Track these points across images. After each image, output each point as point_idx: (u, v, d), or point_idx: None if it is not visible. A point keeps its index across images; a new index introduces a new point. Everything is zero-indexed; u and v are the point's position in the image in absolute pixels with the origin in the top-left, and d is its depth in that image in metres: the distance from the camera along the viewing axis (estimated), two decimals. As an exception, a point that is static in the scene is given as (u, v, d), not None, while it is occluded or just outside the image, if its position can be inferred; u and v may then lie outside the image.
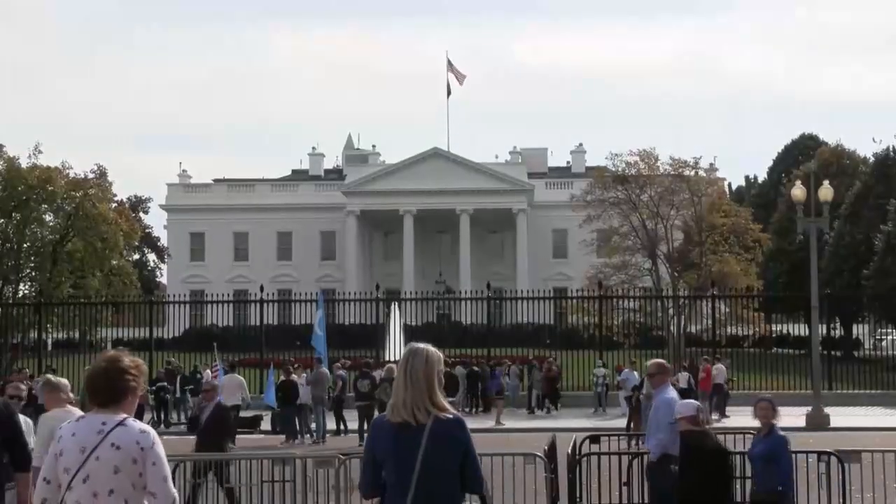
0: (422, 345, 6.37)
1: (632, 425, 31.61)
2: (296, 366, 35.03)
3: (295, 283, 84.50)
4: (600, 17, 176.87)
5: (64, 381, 10.72)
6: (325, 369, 33.97)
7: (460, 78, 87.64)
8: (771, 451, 11.40)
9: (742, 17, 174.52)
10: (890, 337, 57.14)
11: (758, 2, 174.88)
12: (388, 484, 6.23)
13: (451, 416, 6.18)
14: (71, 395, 10.79)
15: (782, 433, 11.76)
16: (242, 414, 35.26)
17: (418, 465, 6.08)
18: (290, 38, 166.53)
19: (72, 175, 57.68)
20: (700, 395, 37.74)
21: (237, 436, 31.96)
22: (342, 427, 33.62)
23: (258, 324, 47.84)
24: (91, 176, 58.30)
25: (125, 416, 5.96)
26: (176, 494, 5.98)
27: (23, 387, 13.87)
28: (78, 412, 10.22)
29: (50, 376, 11.20)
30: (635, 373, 35.59)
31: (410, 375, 6.17)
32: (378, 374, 30.79)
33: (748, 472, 15.30)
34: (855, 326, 70.16)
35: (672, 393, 13.03)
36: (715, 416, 37.21)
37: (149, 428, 5.98)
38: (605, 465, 16.21)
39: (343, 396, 34.52)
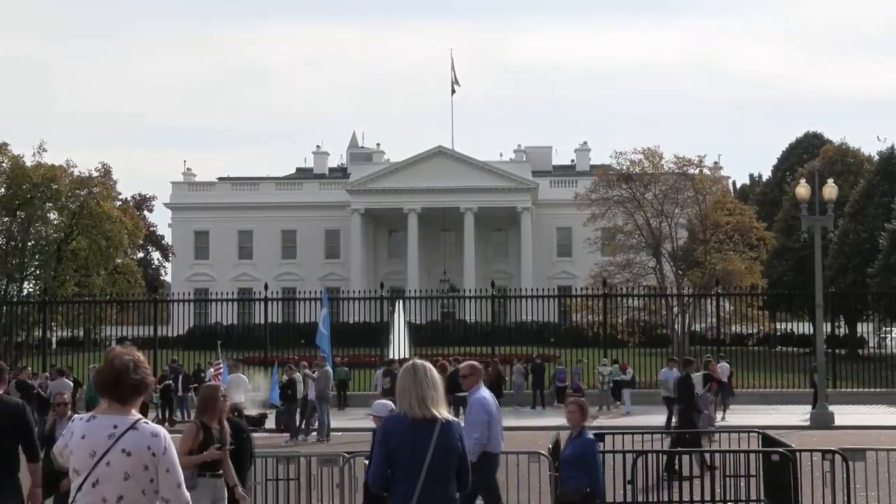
0: (425, 361, 7.30)
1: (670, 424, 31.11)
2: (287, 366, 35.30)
3: (299, 281, 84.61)
4: (605, 16, 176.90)
5: None
6: (328, 368, 33.97)
7: (456, 81, 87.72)
8: (579, 453, 11.49)
9: (746, 15, 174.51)
10: (894, 335, 57.16)
11: (762, 0, 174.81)
12: (398, 474, 6.85)
13: (454, 419, 7.04)
14: None
15: (591, 436, 11.75)
16: (246, 412, 35.28)
17: (430, 454, 6.78)
18: (294, 36, 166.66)
19: (76, 173, 57.78)
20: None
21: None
22: (303, 425, 33.57)
23: (262, 322, 47.85)
24: (95, 174, 58.37)
25: (137, 417, 5.83)
26: (188, 498, 5.90)
27: (66, 396, 14.24)
28: None
29: None
30: (675, 370, 35.22)
31: (432, 380, 6.99)
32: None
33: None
34: (859, 325, 70.20)
35: (485, 392, 13.17)
36: (719, 415, 37.19)
37: (160, 430, 5.84)
38: (609, 464, 16.22)
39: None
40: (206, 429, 10.60)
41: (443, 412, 6.92)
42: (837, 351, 50.29)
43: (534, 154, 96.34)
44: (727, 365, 39.48)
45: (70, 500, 5.83)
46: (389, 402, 12.40)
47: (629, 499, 14.76)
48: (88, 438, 5.77)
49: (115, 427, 5.76)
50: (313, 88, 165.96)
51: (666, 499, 15.28)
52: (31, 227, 56.65)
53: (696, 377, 31.82)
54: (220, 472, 10.65)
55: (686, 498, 15.49)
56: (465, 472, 7.04)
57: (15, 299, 55.30)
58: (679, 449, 18.81)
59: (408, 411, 6.87)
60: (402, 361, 36.30)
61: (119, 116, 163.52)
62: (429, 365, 7.16)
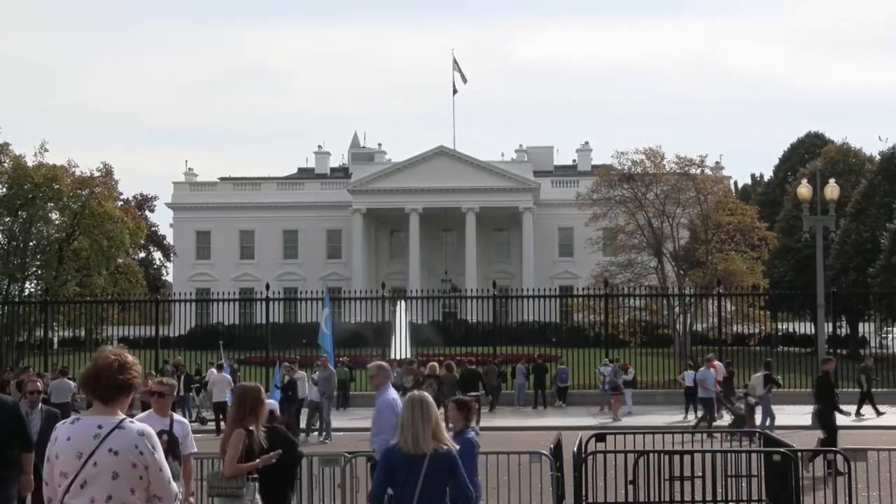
0: (424, 394, 8.45)
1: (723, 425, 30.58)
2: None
3: (301, 281, 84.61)
4: (607, 16, 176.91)
5: None
6: (332, 368, 33.96)
7: (463, 77, 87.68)
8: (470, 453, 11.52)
9: (748, 15, 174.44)
10: (895, 334, 57.06)
11: (763, 0, 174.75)
12: (396, 496, 8.21)
13: (445, 448, 8.21)
14: None
15: (471, 436, 11.68)
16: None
17: (420, 482, 8.09)
18: (296, 36, 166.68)
19: (78, 173, 57.69)
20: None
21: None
22: None
23: (264, 322, 47.85)
24: (97, 174, 58.28)
25: (122, 417, 5.83)
26: (176, 490, 5.97)
27: (39, 384, 14.25)
28: None
29: None
30: (712, 370, 34.85)
31: (427, 416, 8.19)
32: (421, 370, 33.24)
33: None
34: (861, 325, 70.16)
35: (392, 394, 13.16)
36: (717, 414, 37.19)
37: (146, 428, 5.85)
38: (611, 464, 16.21)
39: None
40: (249, 433, 10.22)
41: (433, 444, 8.12)
42: (839, 351, 50.20)
43: (535, 154, 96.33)
44: (721, 364, 39.48)
45: (57, 501, 5.79)
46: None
47: (630, 499, 14.75)
48: (74, 440, 5.76)
49: (100, 427, 5.75)
50: (315, 88, 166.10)
51: (667, 499, 15.26)
52: (32, 227, 56.58)
53: (757, 378, 31.58)
54: (257, 476, 10.30)
55: (688, 498, 15.47)
56: (461, 492, 8.30)
57: (16, 299, 55.23)
58: (690, 449, 18.76)
59: (402, 446, 8.16)
60: (419, 362, 37.00)
61: (120, 116, 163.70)
62: (427, 399, 8.33)
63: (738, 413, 30.09)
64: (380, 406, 13.13)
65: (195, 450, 10.70)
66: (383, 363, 14.18)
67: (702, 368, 34.66)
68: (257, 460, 10.10)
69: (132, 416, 6.17)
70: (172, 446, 10.00)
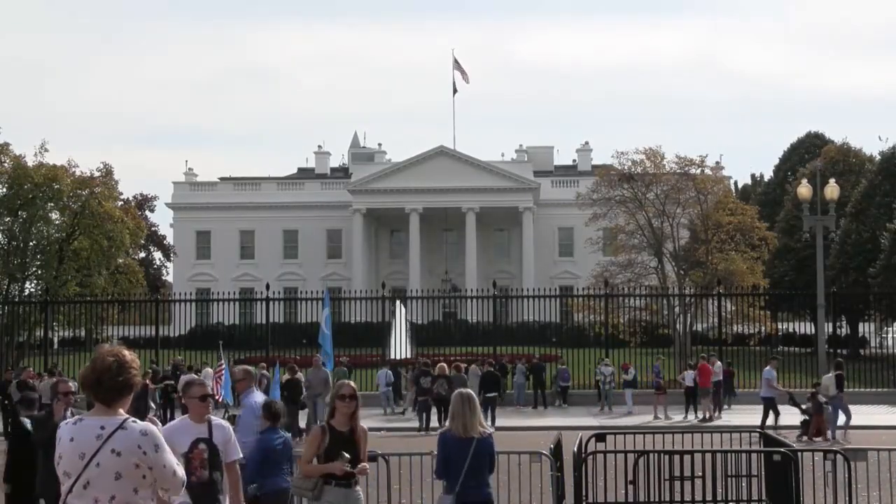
0: (470, 391, 10.45)
1: (811, 429, 30.10)
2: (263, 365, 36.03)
3: (301, 281, 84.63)
4: (607, 16, 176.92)
5: None
6: (327, 369, 33.88)
7: (465, 77, 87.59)
8: (258, 451, 11.55)
9: (748, 15, 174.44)
10: (895, 334, 57.07)
11: (764, 0, 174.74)
12: (449, 471, 10.00)
13: (488, 432, 10.16)
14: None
15: (271, 435, 11.60)
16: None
17: (468, 460, 9.90)
18: (296, 36, 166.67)
19: (78, 173, 57.67)
20: (701, 392, 37.81)
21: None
22: None
23: (264, 322, 47.86)
24: (97, 174, 58.26)
25: (124, 417, 5.82)
26: (184, 475, 5.95)
27: (72, 385, 13.42)
28: None
29: None
30: (774, 372, 34.40)
31: (473, 407, 10.10)
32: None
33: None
34: (861, 325, 70.14)
35: (258, 397, 13.06)
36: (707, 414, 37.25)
37: (149, 427, 5.84)
38: (611, 464, 16.20)
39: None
40: (333, 433, 9.76)
41: (478, 429, 10.01)
42: (839, 351, 50.17)
43: (535, 154, 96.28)
44: (720, 364, 39.55)
45: (61, 502, 5.80)
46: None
47: (630, 499, 14.74)
48: (77, 441, 5.76)
49: (103, 428, 5.76)
50: (315, 88, 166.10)
51: (667, 499, 15.24)
52: (32, 227, 56.54)
53: (829, 378, 31.36)
54: (351, 481, 9.74)
55: (688, 498, 15.46)
56: (492, 466, 10.29)
57: (17, 299, 55.21)
58: (681, 449, 18.74)
59: (454, 431, 9.99)
60: (426, 363, 37.91)
61: (120, 116, 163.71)
62: (472, 395, 10.25)
63: (808, 413, 29.91)
64: (245, 407, 12.96)
65: (240, 456, 9.54)
66: (250, 368, 13.95)
67: (767, 367, 33.99)
68: (325, 465, 9.64)
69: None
70: (213, 457, 9.03)
